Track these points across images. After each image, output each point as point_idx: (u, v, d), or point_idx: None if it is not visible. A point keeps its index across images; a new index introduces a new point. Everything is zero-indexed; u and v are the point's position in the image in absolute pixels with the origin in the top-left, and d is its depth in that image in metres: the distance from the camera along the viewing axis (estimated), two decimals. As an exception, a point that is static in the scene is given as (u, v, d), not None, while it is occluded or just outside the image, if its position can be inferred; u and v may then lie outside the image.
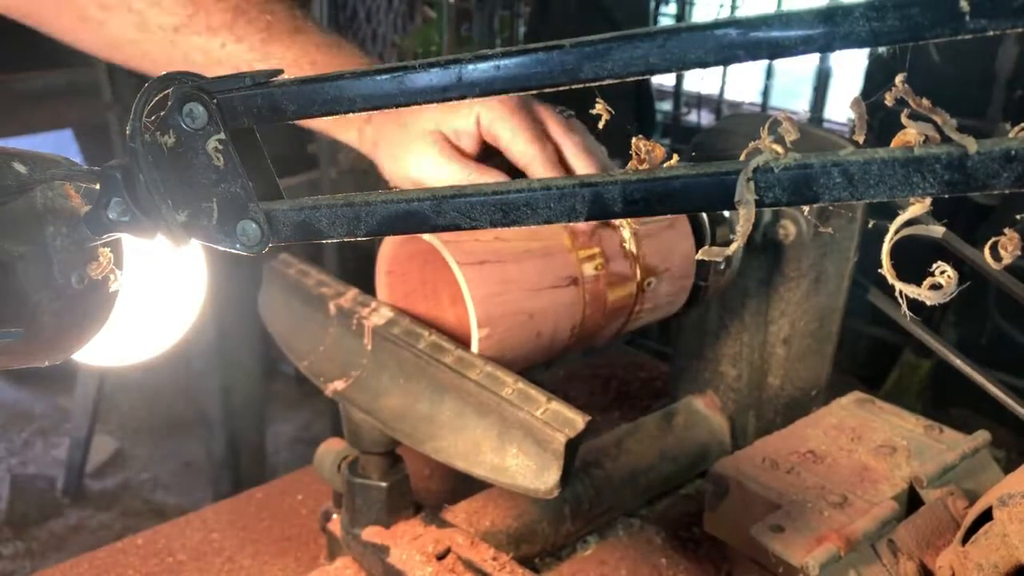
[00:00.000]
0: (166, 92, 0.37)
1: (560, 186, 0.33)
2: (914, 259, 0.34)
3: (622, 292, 0.68)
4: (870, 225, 0.47)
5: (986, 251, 0.29)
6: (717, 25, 0.29)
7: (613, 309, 0.69)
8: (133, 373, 2.56)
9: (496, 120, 0.64)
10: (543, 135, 0.65)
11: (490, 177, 0.64)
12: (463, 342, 0.64)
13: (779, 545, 0.62)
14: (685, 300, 0.74)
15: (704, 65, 0.30)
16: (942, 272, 0.30)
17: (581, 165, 0.65)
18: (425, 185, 0.64)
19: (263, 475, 2.10)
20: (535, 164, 0.63)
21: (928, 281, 0.30)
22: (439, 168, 0.64)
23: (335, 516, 0.76)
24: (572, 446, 0.56)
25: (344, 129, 0.70)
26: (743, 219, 0.30)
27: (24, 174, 0.38)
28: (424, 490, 0.88)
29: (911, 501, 0.67)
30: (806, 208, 0.73)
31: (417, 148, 0.65)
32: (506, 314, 0.62)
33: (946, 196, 0.28)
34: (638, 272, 0.66)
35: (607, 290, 0.68)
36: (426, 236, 0.61)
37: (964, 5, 0.25)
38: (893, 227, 0.31)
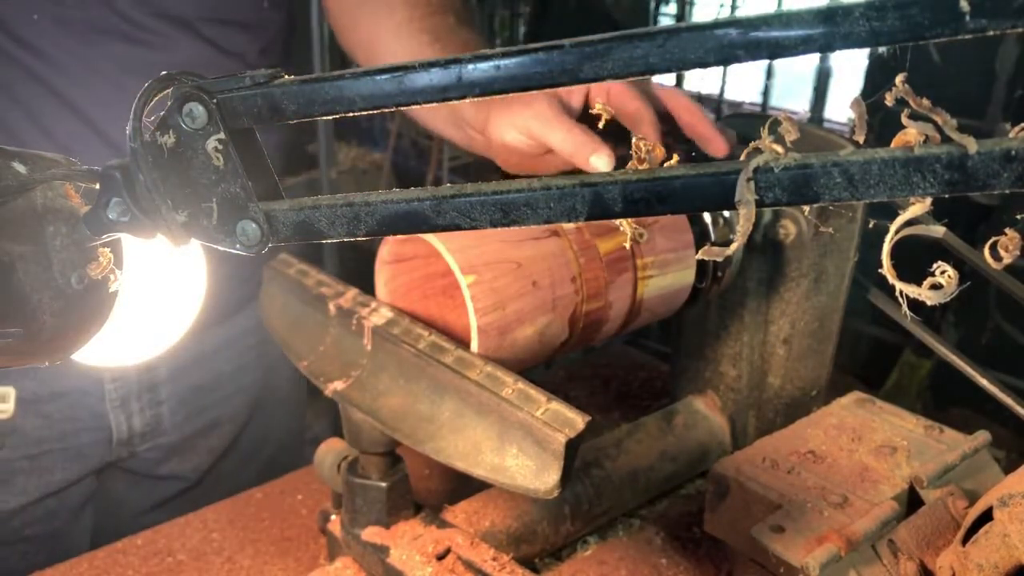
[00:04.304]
0: (166, 92, 0.38)
1: (560, 186, 0.33)
2: (914, 259, 0.34)
3: (612, 243, 0.69)
4: (870, 225, 0.47)
5: (986, 251, 0.29)
6: (717, 25, 0.29)
7: (612, 261, 0.69)
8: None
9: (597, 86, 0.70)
10: (646, 94, 0.70)
11: (593, 142, 0.66)
12: (463, 342, 0.64)
13: (779, 545, 0.62)
14: (693, 264, 0.74)
15: (704, 65, 0.30)
16: (942, 272, 0.30)
17: (689, 115, 0.72)
18: (528, 143, 0.70)
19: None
20: (642, 120, 0.69)
21: (928, 281, 0.30)
22: (550, 125, 0.68)
23: (334, 516, 0.76)
24: (572, 446, 0.56)
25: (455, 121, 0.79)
26: (743, 219, 0.30)
27: (24, 174, 0.39)
28: (424, 490, 0.88)
29: (911, 501, 0.67)
30: (806, 208, 0.73)
31: (537, 104, 0.69)
32: (489, 262, 0.62)
33: (946, 196, 0.28)
34: (622, 222, 0.67)
35: (595, 240, 0.68)
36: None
37: (964, 5, 0.25)
38: (893, 227, 0.31)
